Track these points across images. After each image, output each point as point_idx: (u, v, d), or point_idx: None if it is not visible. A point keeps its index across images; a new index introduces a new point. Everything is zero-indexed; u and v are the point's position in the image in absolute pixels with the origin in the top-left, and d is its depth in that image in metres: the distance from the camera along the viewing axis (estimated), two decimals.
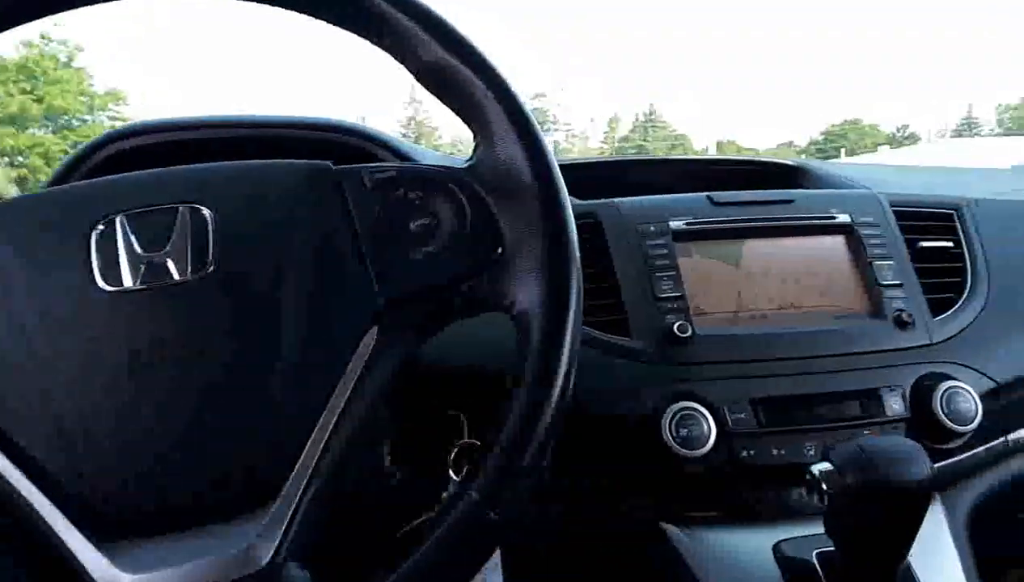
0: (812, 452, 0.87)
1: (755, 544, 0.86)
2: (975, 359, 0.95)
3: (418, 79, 0.61)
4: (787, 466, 0.86)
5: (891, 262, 0.98)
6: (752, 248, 0.99)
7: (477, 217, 0.59)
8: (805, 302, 0.96)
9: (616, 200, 1.00)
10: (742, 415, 0.87)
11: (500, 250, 0.58)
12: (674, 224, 0.98)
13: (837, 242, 1.01)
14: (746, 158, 1.28)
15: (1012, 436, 0.97)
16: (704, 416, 0.85)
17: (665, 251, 0.96)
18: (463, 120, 0.62)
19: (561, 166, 0.62)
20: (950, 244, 1.04)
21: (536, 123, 0.62)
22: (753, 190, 1.04)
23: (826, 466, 0.75)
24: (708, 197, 1.01)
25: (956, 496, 0.93)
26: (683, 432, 0.84)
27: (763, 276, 0.97)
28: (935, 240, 1.04)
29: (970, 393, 0.89)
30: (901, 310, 0.95)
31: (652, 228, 0.97)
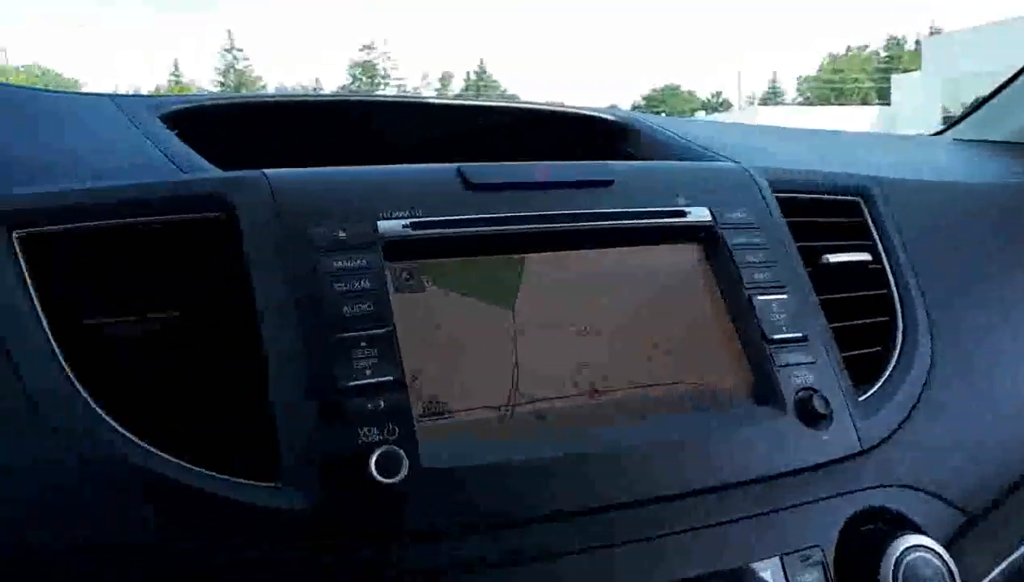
0: None
1: None
2: (931, 471, 0.53)
3: None
4: None
5: (784, 296, 0.54)
6: (537, 275, 0.51)
7: None
8: (637, 376, 0.50)
9: (272, 171, 0.49)
10: None
11: None
12: (388, 225, 0.48)
13: (688, 259, 0.55)
14: (546, 107, 0.81)
15: None
16: None
17: (367, 283, 0.46)
18: None
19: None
20: (866, 257, 0.62)
21: None
22: (546, 162, 0.56)
23: None
24: (460, 172, 0.52)
25: None
26: None
27: (558, 330, 0.50)
28: (843, 251, 0.61)
29: (940, 557, 0.47)
30: (809, 389, 0.51)
31: (342, 233, 0.47)
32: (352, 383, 0.43)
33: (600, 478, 0.45)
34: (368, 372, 0.43)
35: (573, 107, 0.82)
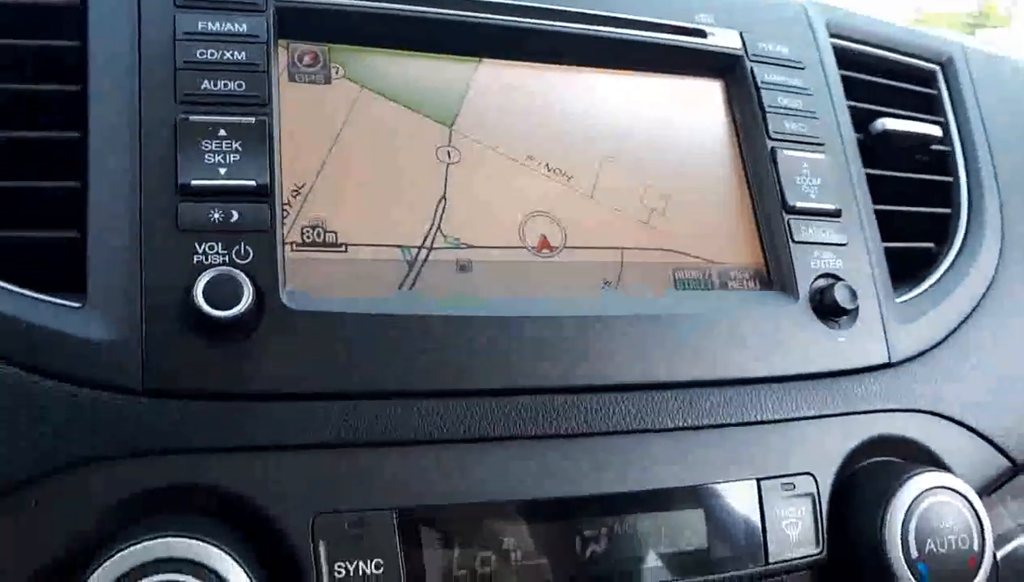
0: None
1: None
2: (977, 403, 0.41)
3: None
4: None
5: (820, 156, 0.41)
6: (493, 85, 0.39)
7: None
8: (607, 234, 0.38)
9: None
10: (375, 563, 0.30)
11: None
12: None
13: (701, 95, 0.43)
14: None
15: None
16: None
17: (242, 56, 0.34)
18: None
19: None
20: (935, 131, 0.49)
21: None
22: None
23: None
24: None
25: None
26: None
27: (509, 161, 0.38)
28: (907, 119, 0.48)
29: (968, 504, 0.35)
30: (831, 276, 0.39)
31: None
32: (195, 181, 0.31)
33: (528, 354, 0.33)
34: (222, 171, 0.32)
35: None
